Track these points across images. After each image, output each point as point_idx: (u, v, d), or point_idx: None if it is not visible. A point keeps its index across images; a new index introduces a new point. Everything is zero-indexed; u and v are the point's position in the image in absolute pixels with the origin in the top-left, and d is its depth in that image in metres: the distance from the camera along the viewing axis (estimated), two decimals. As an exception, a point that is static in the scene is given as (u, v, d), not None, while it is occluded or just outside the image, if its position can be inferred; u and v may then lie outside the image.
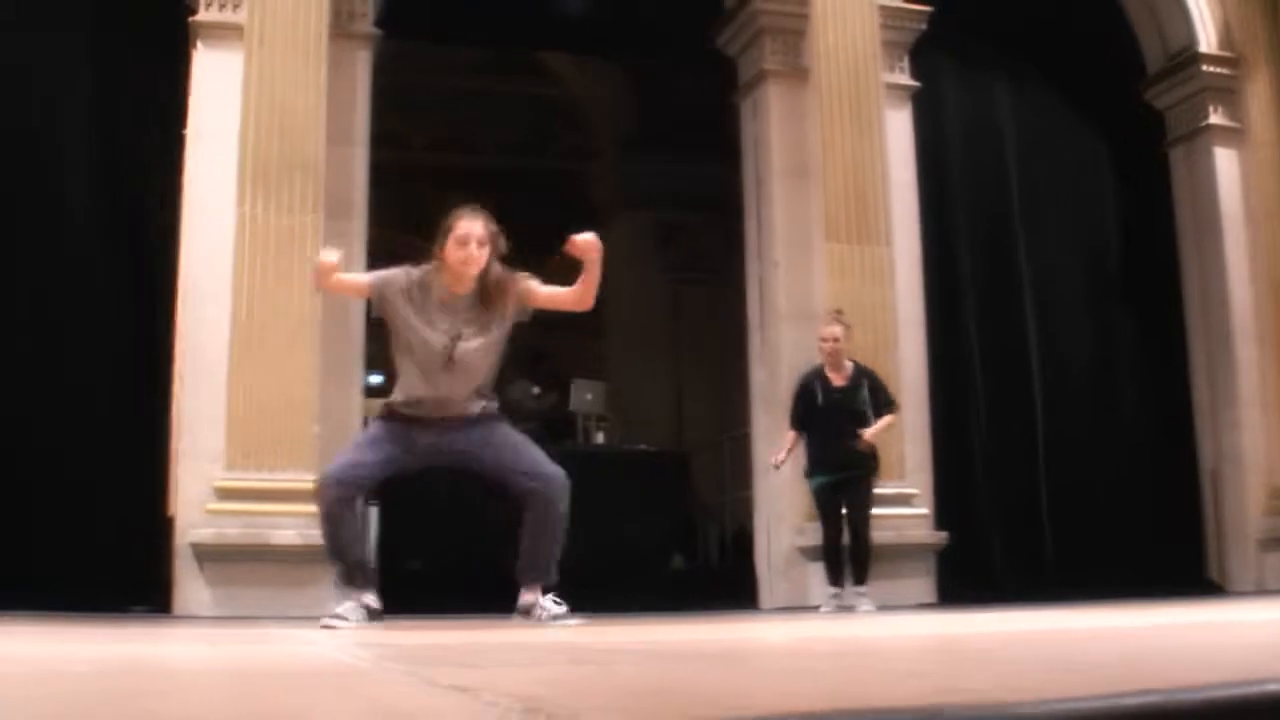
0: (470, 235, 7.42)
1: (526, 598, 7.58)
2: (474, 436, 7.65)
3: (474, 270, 7.47)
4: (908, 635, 5.76)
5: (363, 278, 7.99)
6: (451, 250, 7.43)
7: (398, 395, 7.68)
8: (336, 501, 7.43)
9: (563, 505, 7.60)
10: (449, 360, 7.49)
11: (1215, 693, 2.16)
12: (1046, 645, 4.45)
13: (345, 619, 7.31)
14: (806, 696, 2.48)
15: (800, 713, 2.04)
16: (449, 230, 7.45)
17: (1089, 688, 2.40)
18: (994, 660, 3.69)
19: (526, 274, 7.68)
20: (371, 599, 7.61)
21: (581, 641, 5.26)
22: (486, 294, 7.55)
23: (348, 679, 3.28)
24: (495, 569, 12.29)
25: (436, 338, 7.50)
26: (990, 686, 2.56)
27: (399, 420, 7.62)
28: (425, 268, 7.60)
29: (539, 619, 7.43)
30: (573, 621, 7.33)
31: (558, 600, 7.60)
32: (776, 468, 10.96)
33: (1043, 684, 2.61)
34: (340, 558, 7.56)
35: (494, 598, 8.36)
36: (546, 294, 7.67)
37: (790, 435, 10.90)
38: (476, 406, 7.68)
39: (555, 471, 7.64)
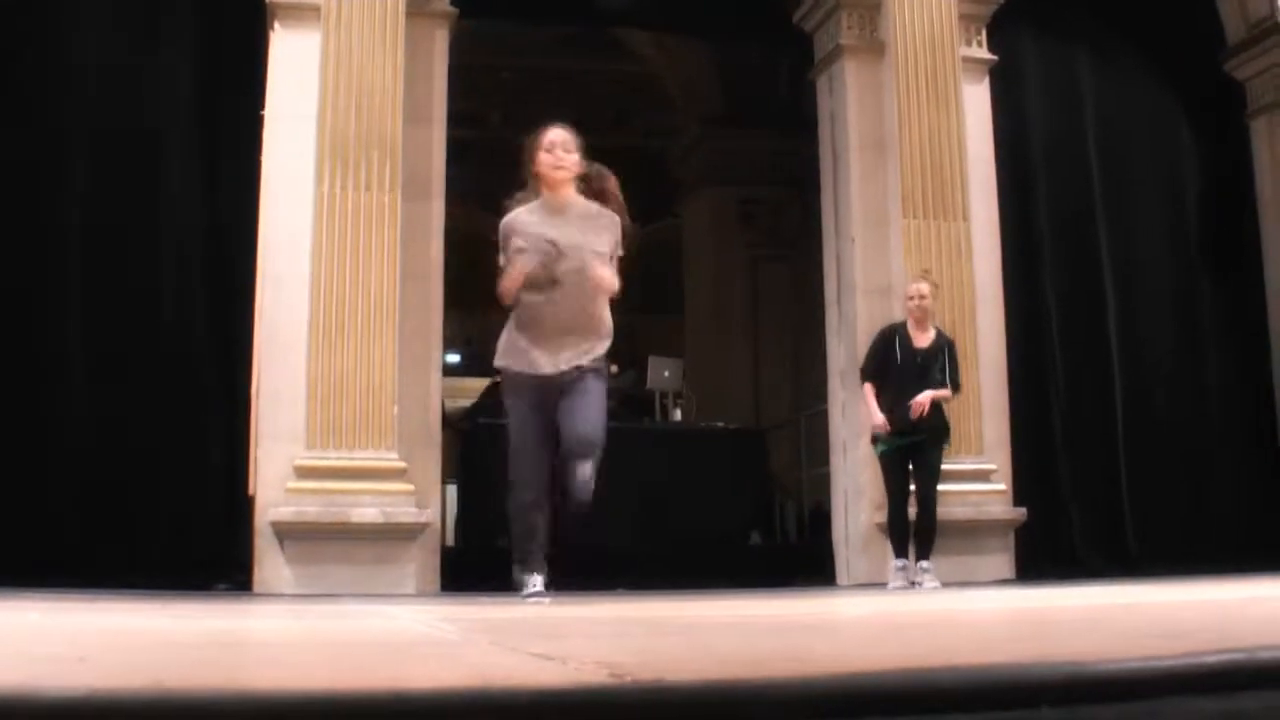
0: (555, 142, 7.50)
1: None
2: (577, 382, 7.47)
3: (566, 175, 7.52)
4: (993, 609, 5.76)
5: (512, 252, 7.58)
6: (542, 159, 7.48)
7: (512, 336, 7.55)
8: (533, 504, 7.48)
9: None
10: (558, 255, 7.38)
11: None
12: (1135, 615, 4.44)
13: (544, 593, 7.37)
14: (895, 658, 2.49)
15: (887, 670, 2.05)
16: (535, 144, 7.53)
17: (1181, 649, 2.40)
18: (1085, 628, 3.68)
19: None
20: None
21: (661, 616, 5.29)
22: (589, 194, 7.60)
23: (440, 648, 3.33)
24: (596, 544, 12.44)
25: (547, 234, 7.43)
26: (1086, 651, 2.56)
27: (519, 381, 7.52)
28: (529, 198, 7.65)
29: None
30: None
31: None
32: (877, 440, 10.78)
33: (1137, 648, 2.61)
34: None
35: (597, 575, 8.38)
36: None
37: (868, 389, 10.66)
38: (589, 349, 7.52)
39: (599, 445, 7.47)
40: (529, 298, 7.45)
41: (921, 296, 10.66)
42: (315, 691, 1.81)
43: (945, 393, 10.59)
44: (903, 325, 10.77)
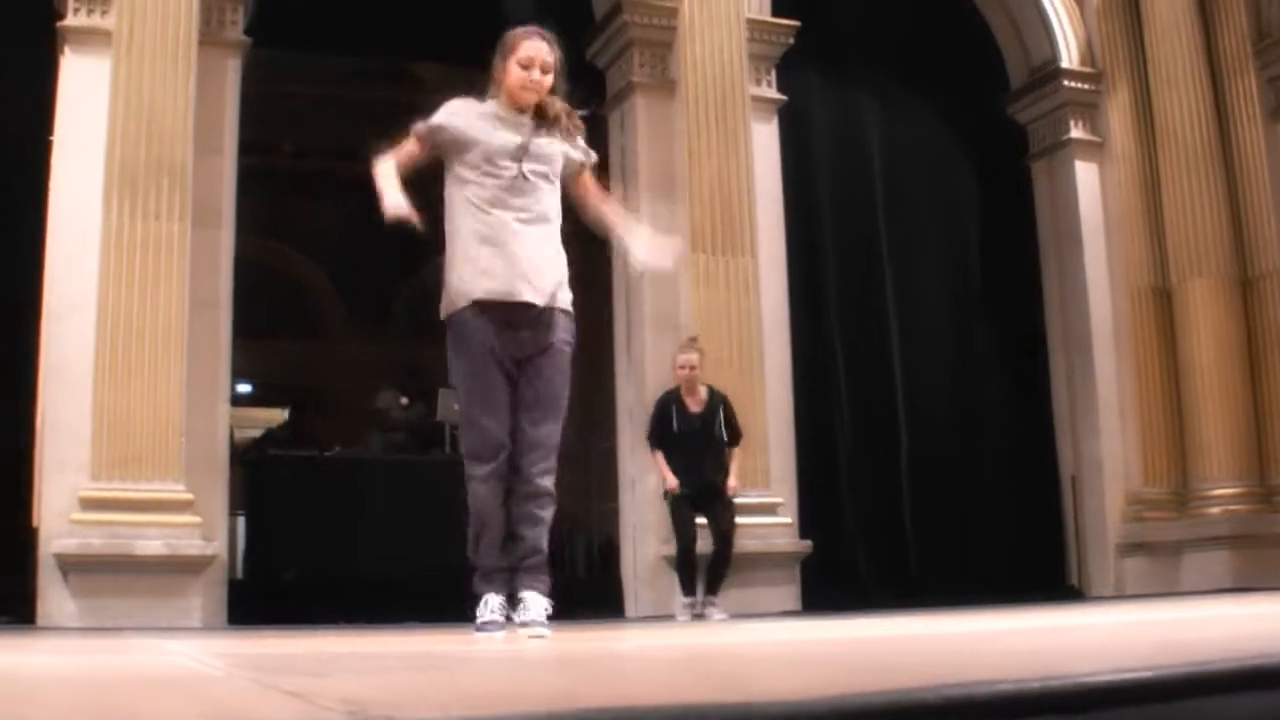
0: (535, 59, 6.55)
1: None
2: (541, 340, 6.46)
3: (532, 99, 6.58)
4: (756, 641, 5.86)
5: (416, 140, 6.85)
6: (513, 72, 6.56)
7: (465, 264, 6.49)
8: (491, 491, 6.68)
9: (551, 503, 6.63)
10: (521, 158, 6.45)
11: (951, 692, 2.28)
12: (865, 650, 4.57)
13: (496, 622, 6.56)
14: (600, 696, 2.58)
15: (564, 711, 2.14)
16: (511, 50, 6.59)
17: (860, 686, 2.52)
18: (808, 662, 3.80)
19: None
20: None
21: (435, 650, 5.33)
22: (544, 120, 6.63)
23: (195, 685, 3.35)
24: (384, 575, 12.30)
25: (507, 138, 6.52)
26: (790, 689, 2.67)
27: (481, 316, 6.38)
28: (483, 99, 6.72)
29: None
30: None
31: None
32: (669, 494, 10.96)
33: (834, 685, 2.73)
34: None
35: (385, 606, 8.30)
36: (590, 184, 6.81)
37: (659, 456, 11.00)
38: (556, 278, 6.49)
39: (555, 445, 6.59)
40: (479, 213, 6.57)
41: (691, 367, 10.95)
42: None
43: (735, 463, 10.94)
44: (676, 392, 11.00)
